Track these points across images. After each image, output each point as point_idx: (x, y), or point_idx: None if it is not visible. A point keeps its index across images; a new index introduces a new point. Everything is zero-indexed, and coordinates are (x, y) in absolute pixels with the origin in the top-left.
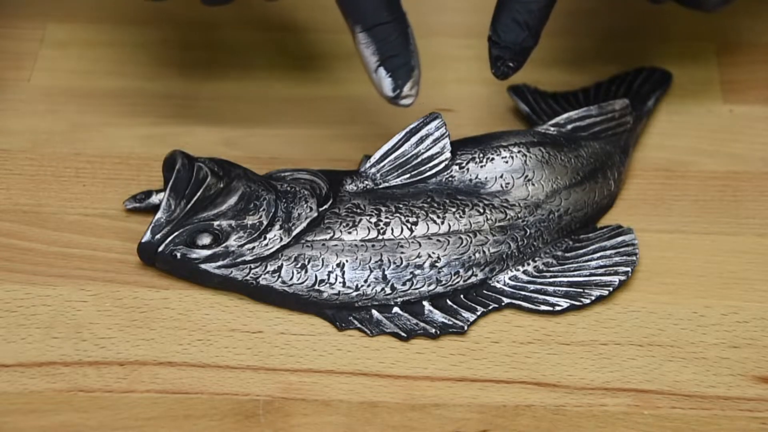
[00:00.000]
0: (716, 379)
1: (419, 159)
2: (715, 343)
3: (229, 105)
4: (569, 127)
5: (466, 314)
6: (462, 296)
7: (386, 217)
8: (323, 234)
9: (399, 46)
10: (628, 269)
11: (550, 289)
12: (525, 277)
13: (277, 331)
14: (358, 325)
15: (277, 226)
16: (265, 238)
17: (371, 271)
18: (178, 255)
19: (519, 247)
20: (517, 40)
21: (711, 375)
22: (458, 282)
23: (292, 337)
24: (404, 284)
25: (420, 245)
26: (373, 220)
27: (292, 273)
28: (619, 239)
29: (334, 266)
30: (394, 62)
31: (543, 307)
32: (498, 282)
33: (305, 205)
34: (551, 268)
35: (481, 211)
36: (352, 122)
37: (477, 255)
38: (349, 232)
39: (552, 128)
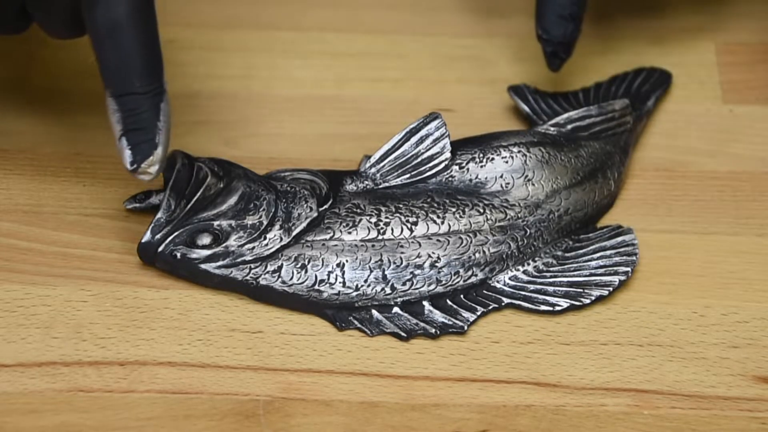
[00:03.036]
0: (716, 379)
1: (419, 159)
2: (715, 343)
3: (228, 105)
4: (569, 127)
5: (466, 314)
6: (462, 296)
7: (386, 217)
8: (323, 234)
9: (146, 121)
10: (628, 269)
11: (550, 289)
12: (525, 277)
13: (277, 331)
14: (358, 325)
15: (277, 226)
16: (265, 238)
17: (371, 271)
18: (178, 255)
19: (519, 247)
20: (567, 33)
21: (711, 375)
22: (458, 282)
23: (292, 337)
24: (404, 284)
25: (420, 245)
26: (373, 220)
27: (292, 273)
28: (619, 239)
29: (334, 266)
30: (138, 136)
31: (543, 307)
32: (498, 282)
33: (305, 205)
34: (551, 268)
35: (481, 211)
36: (352, 122)
37: (477, 255)
38: (349, 232)
39: (552, 128)
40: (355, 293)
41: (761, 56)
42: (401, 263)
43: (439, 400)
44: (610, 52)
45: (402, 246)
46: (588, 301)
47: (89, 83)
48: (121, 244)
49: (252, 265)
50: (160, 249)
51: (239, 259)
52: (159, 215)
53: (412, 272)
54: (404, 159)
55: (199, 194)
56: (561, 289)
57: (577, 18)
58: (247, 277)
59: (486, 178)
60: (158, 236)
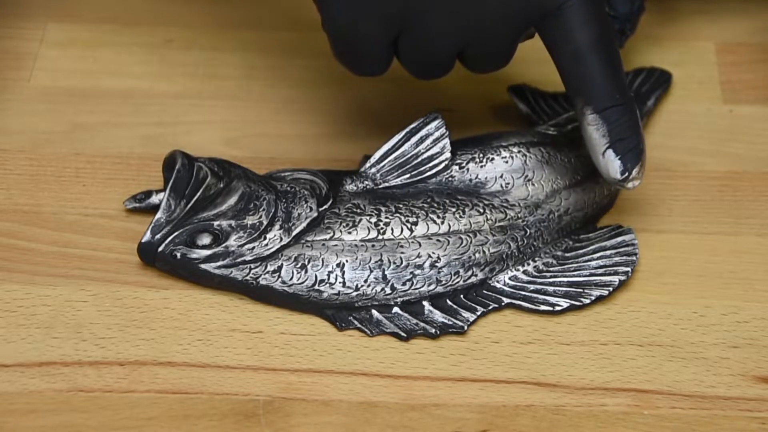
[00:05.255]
0: (716, 379)
1: (419, 159)
2: (715, 343)
3: (229, 105)
4: (569, 127)
5: (466, 314)
6: (462, 296)
7: (386, 217)
8: (323, 234)
9: (629, 129)
10: (628, 269)
11: (550, 289)
12: (525, 277)
13: (277, 331)
14: (358, 325)
15: (277, 226)
16: (265, 238)
17: (371, 271)
18: (178, 255)
19: (519, 247)
20: (633, 10)
21: (711, 375)
22: (458, 282)
23: (292, 337)
24: (404, 284)
25: (420, 245)
26: (373, 220)
27: (292, 273)
28: (619, 239)
29: (334, 266)
30: (624, 145)
31: (543, 307)
32: (498, 282)
33: (305, 205)
34: (551, 268)
35: (481, 211)
36: (352, 122)
37: (477, 255)
38: (349, 232)
39: (552, 128)
40: (355, 293)
41: (761, 56)
42: (401, 263)
43: (439, 400)
44: None
45: (402, 246)
46: (588, 301)
47: (89, 83)
48: (121, 244)
49: (252, 265)
50: (160, 249)
51: (239, 259)
52: (159, 215)
53: (412, 272)
54: (404, 159)
55: (199, 194)
56: (561, 289)
57: None
58: (247, 277)
59: (486, 178)
60: (158, 236)
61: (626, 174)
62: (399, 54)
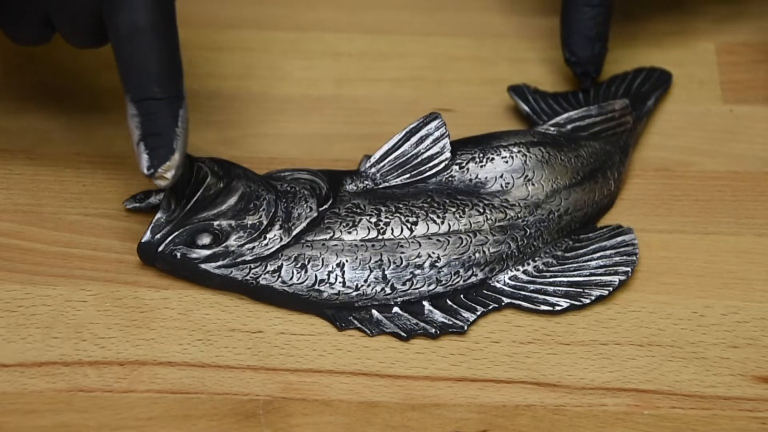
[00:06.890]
0: (716, 379)
1: (419, 159)
2: (715, 343)
3: (229, 105)
4: (569, 127)
5: (466, 314)
6: (462, 296)
7: (386, 217)
8: (323, 234)
9: (164, 126)
10: (628, 269)
11: (550, 289)
12: (525, 277)
13: (277, 331)
14: (358, 325)
15: (277, 226)
16: (265, 238)
17: (371, 271)
18: (178, 255)
19: (519, 247)
20: (594, 53)
21: (711, 375)
22: (458, 282)
23: (292, 337)
24: (404, 284)
25: (420, 245)
26: (373, 220)
27: (292, 273)
28: (619, 239)
29: (334, 266)
30: (156, 141)
31: (543, 307)
32: (498, 282)
33: (305, 205)
34: (551, 268)
35: (481, 211)
36: (352, 122)
37: (477, 255)
38: (349, 232)
39: (552, 128)
40: (355, 293)
41: (761, 56)
42: (401, 263)
43: (439, 400)
44: (609, 52)
45: (402, 246)
46: (588, 301)
47: (89, 82)
48: (121, 244)
49: (252, 265)
50: (160, 249)
51: (239, 259)
52: (159, 215)
53: (412, 272)
54: (404, 159)
55: (199, 194)
56: (561, 289)
57: (603, 37)
58: (247, 277)
59: (486, 178)
60: (158, 236)
61: (152, 171)
62: None
